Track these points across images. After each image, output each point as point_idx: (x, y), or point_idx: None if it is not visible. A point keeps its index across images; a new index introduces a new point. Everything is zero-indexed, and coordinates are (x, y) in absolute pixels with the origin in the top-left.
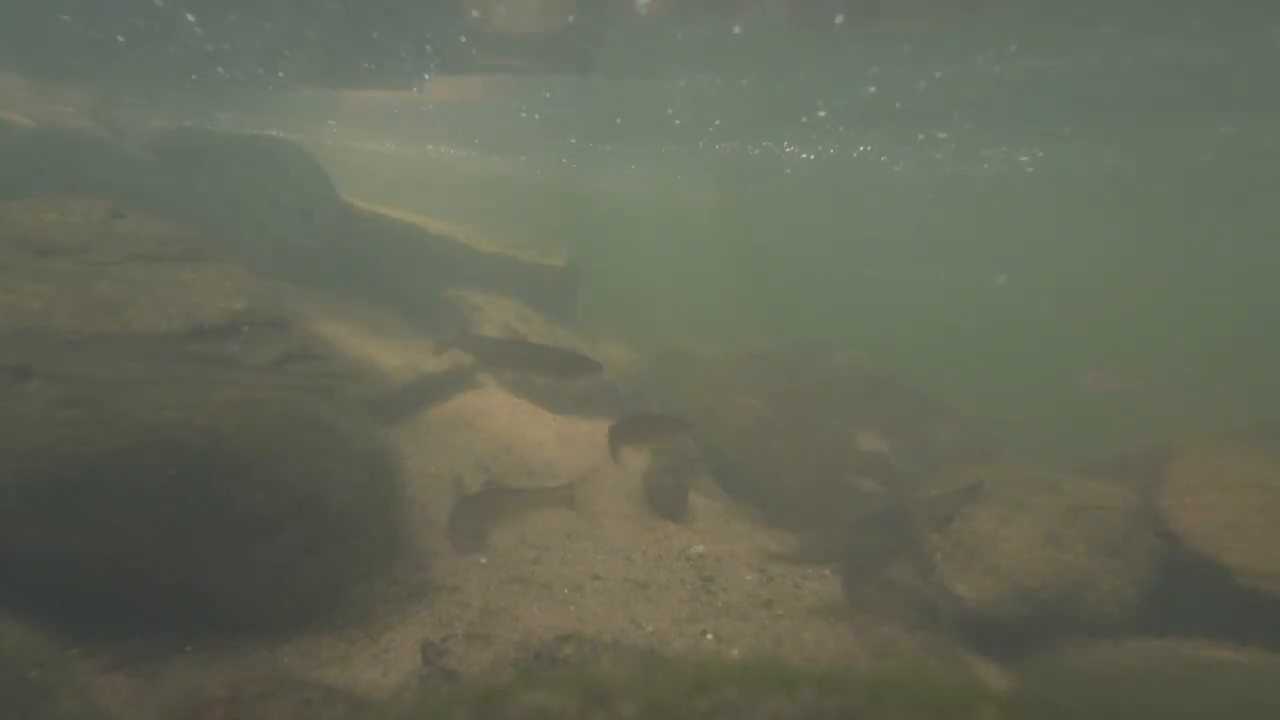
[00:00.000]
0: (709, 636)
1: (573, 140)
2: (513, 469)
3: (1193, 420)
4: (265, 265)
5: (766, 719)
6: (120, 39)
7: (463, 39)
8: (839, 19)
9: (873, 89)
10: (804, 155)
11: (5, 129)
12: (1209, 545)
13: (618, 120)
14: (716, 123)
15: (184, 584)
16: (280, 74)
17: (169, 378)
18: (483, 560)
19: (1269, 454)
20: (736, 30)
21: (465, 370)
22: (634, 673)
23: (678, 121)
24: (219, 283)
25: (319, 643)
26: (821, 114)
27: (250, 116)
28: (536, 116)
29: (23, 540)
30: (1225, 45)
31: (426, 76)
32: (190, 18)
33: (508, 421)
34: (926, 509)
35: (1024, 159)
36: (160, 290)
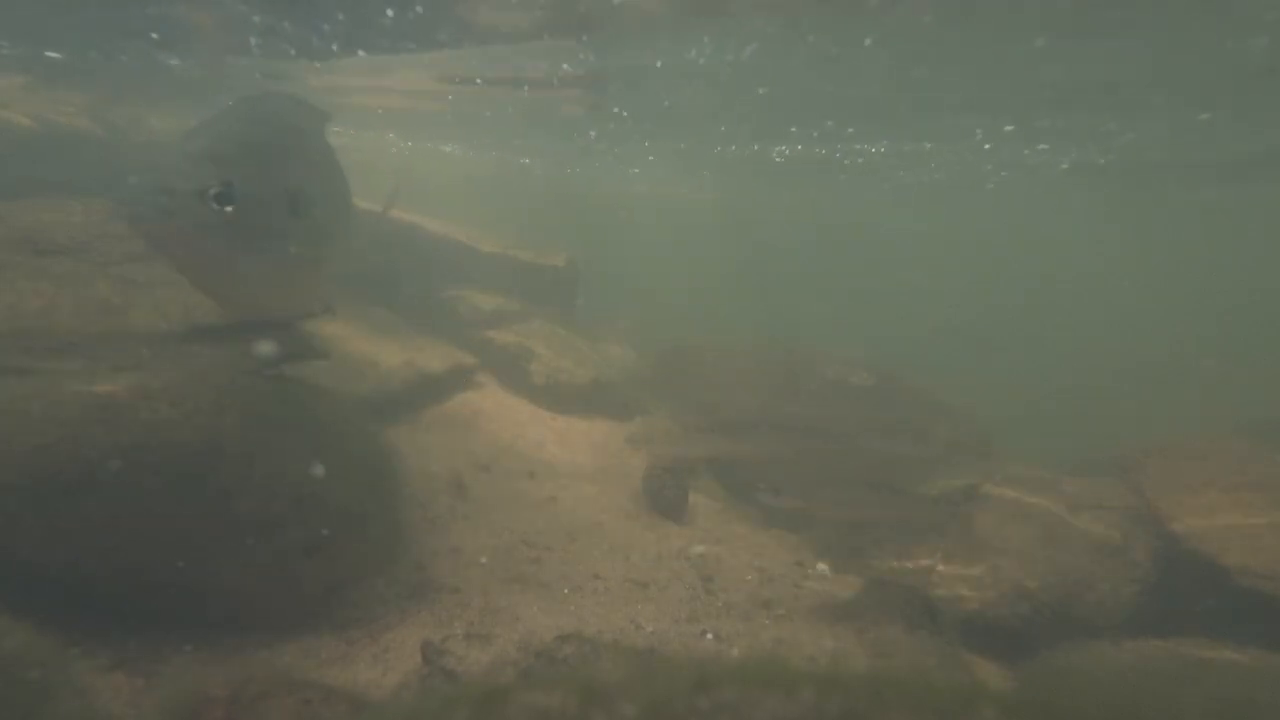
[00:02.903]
0: (709, 636)
1: (593, 133)
2: (513, 469)
3: (1193, 420)
4: None
5: (767, 719)
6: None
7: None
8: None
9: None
10: (778, 157)
11: (5, 129)
12: (1209, 545)
13: (625, 115)
14: (722, 128)
15: (184, 584)
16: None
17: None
18: (483, 560)
19: (1268, 454)
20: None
21: (465, 370)
22: (634, 673)
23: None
24: None
25: (319, 643)
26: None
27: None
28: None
29: (23, 540)
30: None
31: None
32: None
33: (508, 421)
34: (926, 508)
35: (1028, 152)
36: (160, 290)
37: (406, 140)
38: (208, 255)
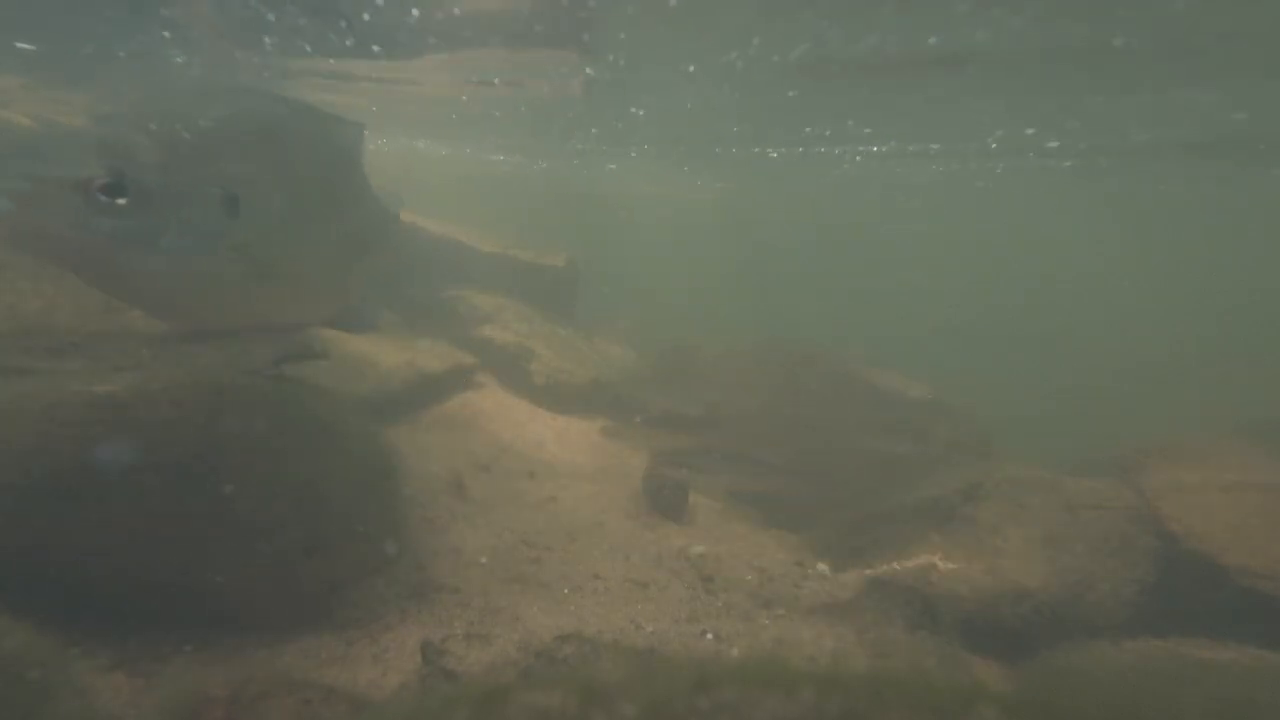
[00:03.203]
0: (709, 636)
1: (594, 132)
2: (513, 469)
3: (1192, 420)
4: None
5: (767, 719)
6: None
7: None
8: None
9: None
10: (771, 154)
11: (5, 129)
12: (1208, 545)
13: (637, 111)
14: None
15: (184, 584)
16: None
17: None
18: (483, 560)
19: (1268, 454)
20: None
21: (465, 370)
22: (634, 673)
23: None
24: None
25: (319, 643)
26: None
27: None
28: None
29: (23, 540)
30: None
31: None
32: None
33: (507, 421)
34: (926, 508)
35: (1033, 155)
36: None
37: (380, 138)
38: (89, 253)
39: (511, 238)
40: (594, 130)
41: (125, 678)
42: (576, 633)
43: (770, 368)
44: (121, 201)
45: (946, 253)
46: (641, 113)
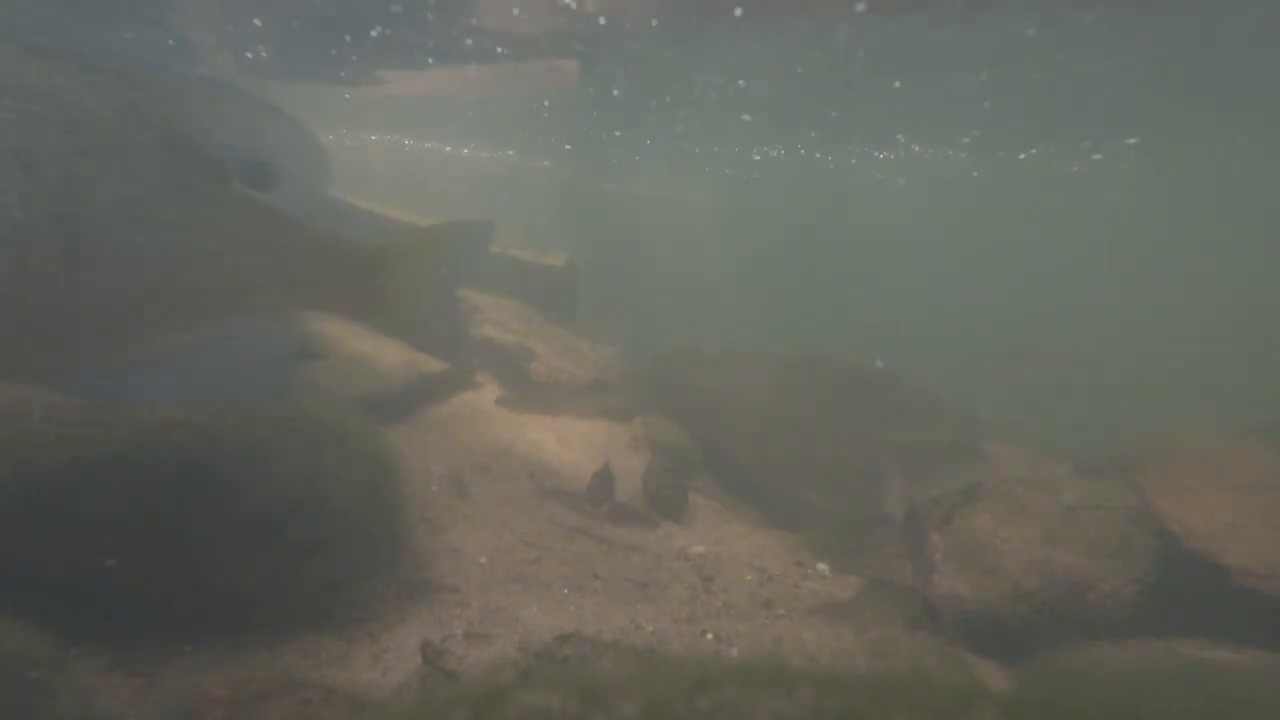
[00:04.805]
0: (709, 636)
1: (618, 133)
2: (513, 469)
3: (1193, 419)
4: None
5: (766, 719)
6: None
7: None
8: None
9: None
10: (773, 153)
11: None
12: (1209, 545)
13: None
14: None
15: (184, 584)
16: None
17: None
18: (482, 560)
19: (1269, 454)
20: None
21: (465, 370)
22: (634, 673)
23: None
24: None
25: (319, 643)
26: (834, 114)
27: None
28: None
29: (23, 540)
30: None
31: (430, 61)
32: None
33: (507, 421)
34: (926, 509)
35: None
36: None
37: (370, 135)
38: None
39: (511, 237)
40: (617, 132)
41: (125, 678)
42: (576, 633)
43: (770, 366)
44: None
45: (948, 253)
46: (748, 118)
